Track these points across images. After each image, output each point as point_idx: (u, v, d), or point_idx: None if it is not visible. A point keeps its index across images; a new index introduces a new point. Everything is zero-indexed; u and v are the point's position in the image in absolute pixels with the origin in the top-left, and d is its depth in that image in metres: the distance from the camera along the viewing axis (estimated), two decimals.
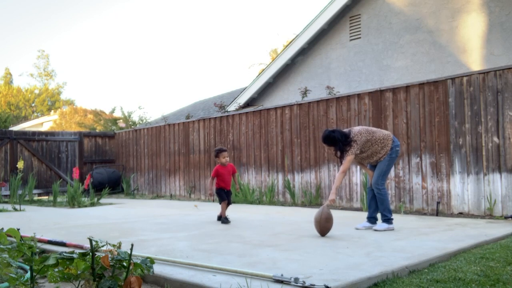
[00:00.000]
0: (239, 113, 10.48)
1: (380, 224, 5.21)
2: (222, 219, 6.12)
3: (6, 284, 2.65)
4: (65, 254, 2.51)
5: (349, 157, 5.15)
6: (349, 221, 6.03)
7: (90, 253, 2.48)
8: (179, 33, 62.45)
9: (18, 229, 2.88)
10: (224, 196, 6.26)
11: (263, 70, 13.45)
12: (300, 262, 3.45)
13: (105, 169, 13.51)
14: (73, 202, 9.62)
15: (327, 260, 3.50)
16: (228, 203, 6.33)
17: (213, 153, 6.54)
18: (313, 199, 8.56)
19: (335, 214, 7.03)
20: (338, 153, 5.25)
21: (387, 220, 5.20)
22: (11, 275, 2.56)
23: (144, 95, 56.70)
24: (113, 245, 2.56)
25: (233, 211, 7.89)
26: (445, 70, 9.38)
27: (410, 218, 6.36)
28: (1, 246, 2.66)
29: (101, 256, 2.46)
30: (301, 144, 8.97)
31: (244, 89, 13.65)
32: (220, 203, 6.29)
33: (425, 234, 4.78)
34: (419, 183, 7.14)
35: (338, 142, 5.18)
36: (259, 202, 9.30)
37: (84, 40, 60.88)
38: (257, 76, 13.36)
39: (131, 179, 13.50)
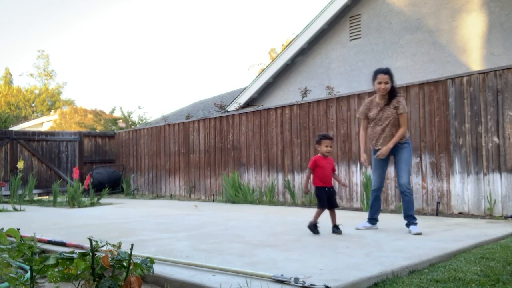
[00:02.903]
0: (239, 113, 10.48)
1: (414, 227, 4.89)
2: (310, 225, 4.93)
3: (6, 284, 2.65)
4: (65, 254, 2.51)
5: (405, 115, 5.01)
6: (349, 221, 6.02)
7: (90, 253, 2.48)
8: (179, 33, 62.47)
9: (18, 229, 2.88)
10: (325, 200, 4.98)
11: (263, 70, 13.45)
12: (300, 262, 3.45)
13: (105, 169, 13.51)
14: (73, 202, 9.61)
15: (327, 260, 3.50)
16: (334, 206, 5.05)
17: (314, 139, 5.30)
18: (313, 199, 8.55)
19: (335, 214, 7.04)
20: (388, 87, 5.01)
21: (416, 223, 5.00)
22: (11, 275, 2.56)
23: (144, 95, 56.74)
24: (113, 245, 2.56)
25: (233, 210, 7.89)
26: (445, 70, 9.37)
27: None
28: (1, 246, 2.66)
29: (101, 256, 2.46)
30: (301, 144, 8.96)
31: (244, 89, 13.65)
32: (319, 207, 5.01)
33: (425, 234, 4.78)
34: (419, 183, 7.13)
35: (393, 80, 5.07)
36: (259, 202, 9.30)
37: (84, 40, 60.91)
38: (257, 76, 13.36)
39: (131, 179, 13.49)
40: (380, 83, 5.03)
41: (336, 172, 8.18)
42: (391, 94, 5.07)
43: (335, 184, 8.31)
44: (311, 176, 5.08)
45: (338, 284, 2.76)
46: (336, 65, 11.52)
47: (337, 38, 11.52)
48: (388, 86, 5.02)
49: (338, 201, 8.21)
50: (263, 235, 4.90)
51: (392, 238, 4.50)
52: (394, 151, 5.07)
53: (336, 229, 4.96)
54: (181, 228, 5.64)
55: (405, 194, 5.02)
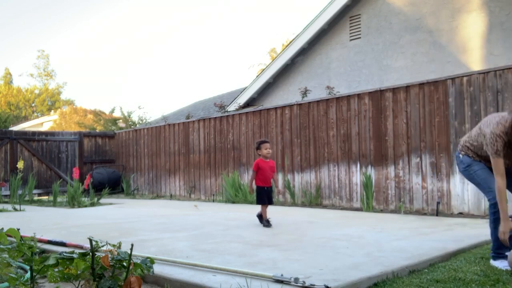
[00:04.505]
0: (239, 113, 10.48)
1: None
2: (264, 222, 5.64)
3: (6, 284, 2.65)
4: (65, 254, 2.51)
5: None
6: (349, 221, 6.03)
7: (90, 253, 2.48)
8: (179, 33, 62.48)
9: (18, 229, 2.88)
10: (265, 197, 5.72)
11: (263, 70, 13.45)
12: (300, 262, 3.45)
13: (105, 169, 13.51)
14: (73, 202, 9.61)
15: (327, 260, 3.49)
16: (270, 203, 5.80)
17: (254, 146, 6.07)
18: (313, 199, 8.55)
19: (335, 214, 7.05)
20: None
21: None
22: (11, 275, 2.56)
23: (144, 95, 56.75)
24: (113, 245, 2.56)
25: (233, 211, 7.89)
26: (445, 70, 9.37)
27: (410, 218, 6.36)
28: (1, 246, 2.66)
29: (101, 256, 2.46)
30: (301, 144, 8.96)
31: (244, 89, 13.64)
32: (258, 203, 5.81)
33: (425, 234, 4.78)
34: (419, 183, 7.13)
35: None
36: None
37: (84, 40, 60.91)
38: (257, 76, 13.36)
39: (131, 179, 13.49)
40: None
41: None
42: None
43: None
44: (254, 175, 5.80)
45: (338, 284, 2.76)
46: (336, 65, 11.51)
47: (337, 38, 11.51)
48: None
49: (338, 201, 8.23)
50: (263, 235, 4.90)
51: (392, 238, 4.50)
52: None
53: (266, 223, 5.62)
54: (181, 228, 5.64)
55: None
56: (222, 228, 5.58)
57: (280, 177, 9.34)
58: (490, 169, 3.46)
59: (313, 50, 12.00)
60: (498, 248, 3.40)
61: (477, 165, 3.60)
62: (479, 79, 6.57)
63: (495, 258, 3.42)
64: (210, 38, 60.60)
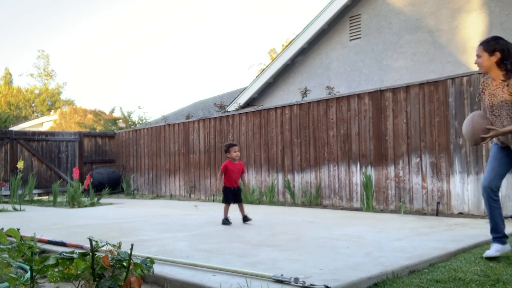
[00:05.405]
0: (239, 113, 10.48)
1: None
2: (223, 219, 5.93)
3: (6, 284, 2.65)
4: (65, 254, 2.51)
5: None
6: (349, 221, 6.03)
7: (90, 253, 2.48)
8: (179, 33, 62.48)
9: (18, 229, 2.88)
10: (230, 197, 6.07)
11: (263, 70, 13.45)
12: (300, 262, 3.45)
13: (105, 169, 13.51)
14: (73, 202, 9.61)
15: (327, 260, 3.50)
16: (239, 201, 6.14)
17: (223, 149, 6.45)
18: (313, 199, 8.55)
19: (335, 214, 7.05)
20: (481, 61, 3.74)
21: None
22: (11, 275, 2.56)
23: (144, 95, 56.76)
24: (113, 245, 2.56)
25: (233, 211, 7.88)
26: (445, 70, 9.37)
27: (410, 218, 6.36)
28: (1, 246, 2.66)
29: (101, 256, 2.46)
30: (301, 144, 8.96)
31: (244, 89, 13.65)
32: (223, 202, 6.11)
33: (425, 234, 4.78)
34: (419, 183, 7.13)
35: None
36: (259, 202, 9.30)
37: (84, 40, 60.91)
38: (257, 76, 13.36)
39: (131, 179, 13.49)
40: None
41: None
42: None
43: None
44: (222, 176, 6.17)
45: (338, 284, 2.76)
46: (336, 65, 11.52)
47: (337, 38, 11.51)
48: (481, 60, 3.76)
49: (338, 201, 8.24)
50: (263, 235, 4.90)
51: (392, 238, 4.50)
52: None
53: (245, 219, 5.96)
54: (181, 228, 5.64)
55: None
56: (222, 228, 5.59)
57: (280, 177, 9.34)
58: (503, 150, 3.74)
59: (313, 50, 12.00)
60: (493, 230, 3.68)
61: (492, 149, 3.85)
62: (479, 79, 6.57)
63: (493, 241, 3.68)
64: (210, 38, 60.61)
